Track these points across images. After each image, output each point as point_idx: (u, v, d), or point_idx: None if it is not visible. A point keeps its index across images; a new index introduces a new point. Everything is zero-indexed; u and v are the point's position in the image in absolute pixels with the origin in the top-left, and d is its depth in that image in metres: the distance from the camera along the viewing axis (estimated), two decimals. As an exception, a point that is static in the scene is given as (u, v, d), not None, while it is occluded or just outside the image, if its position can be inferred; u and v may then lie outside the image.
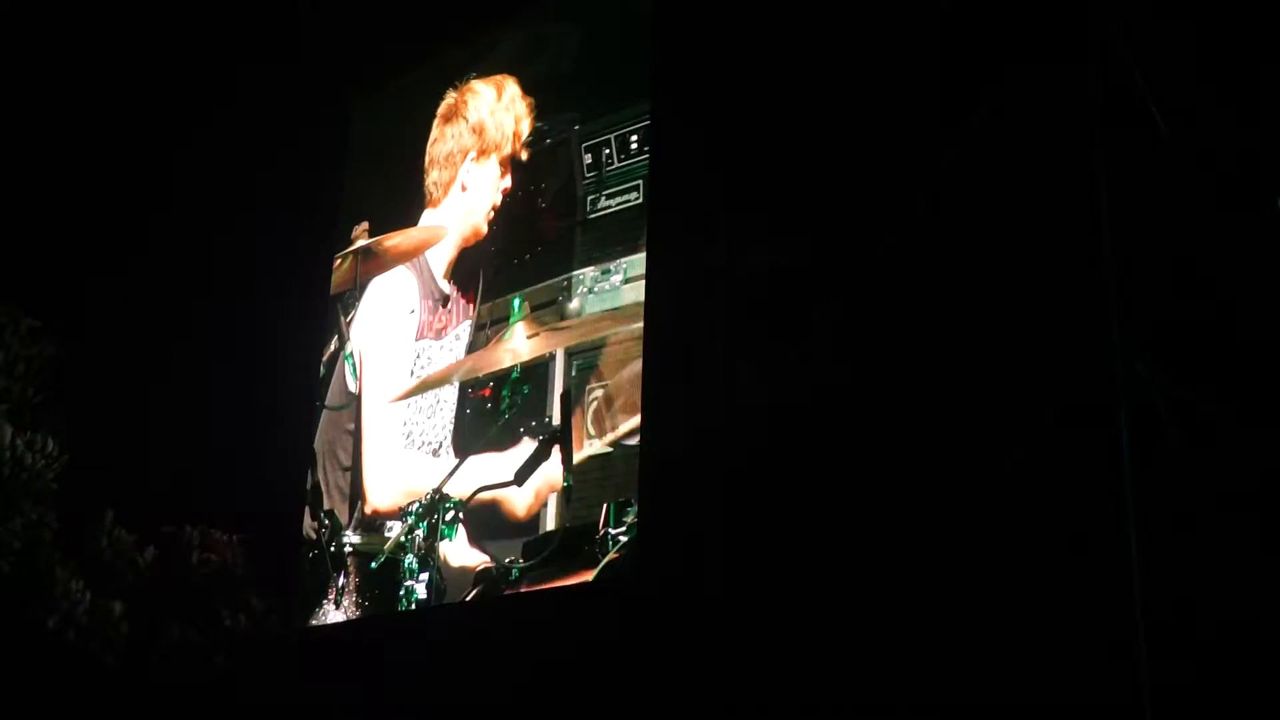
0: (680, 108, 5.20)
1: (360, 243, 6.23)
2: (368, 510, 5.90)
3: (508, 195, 5.83)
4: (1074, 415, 3.70)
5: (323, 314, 6.31)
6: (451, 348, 5.86)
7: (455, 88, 6.17)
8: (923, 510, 4.09)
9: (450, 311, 5.92)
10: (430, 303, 6.02)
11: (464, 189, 6.01)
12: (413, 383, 5.92)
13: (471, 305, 5.86)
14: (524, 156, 5.79)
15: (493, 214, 5.86)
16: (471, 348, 5.77)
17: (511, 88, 5.97)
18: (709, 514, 4.60)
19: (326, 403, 6.21)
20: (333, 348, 6.25)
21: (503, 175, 5.86)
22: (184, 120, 6.50)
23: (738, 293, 4.80)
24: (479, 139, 6.00)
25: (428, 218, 6.11)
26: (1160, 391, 3.52)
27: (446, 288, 5.97)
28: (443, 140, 6.16)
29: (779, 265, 4.71)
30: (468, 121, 6.06)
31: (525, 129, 5.83)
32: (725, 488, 4.59)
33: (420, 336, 5.99)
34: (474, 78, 6.11)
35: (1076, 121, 3.80)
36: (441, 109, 6.20)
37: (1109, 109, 3.78)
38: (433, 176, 6.15)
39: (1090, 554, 3.63)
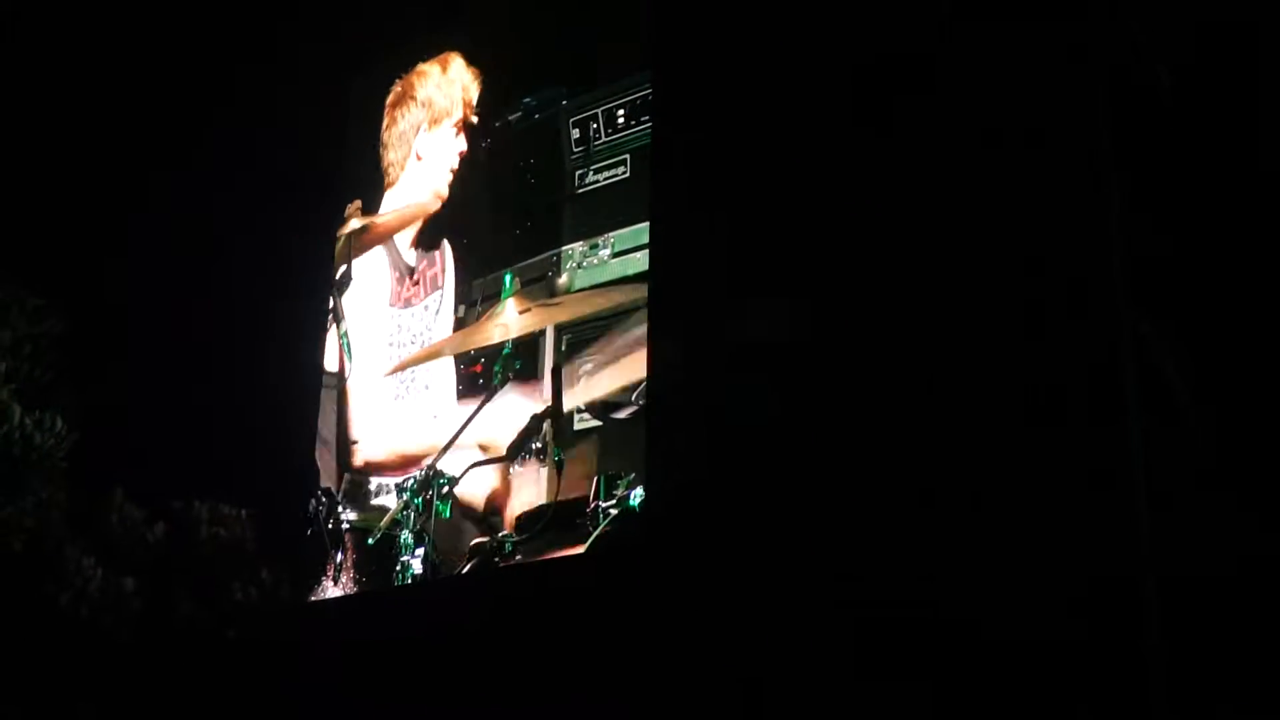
0: (679, 77, 5.27)
1: (354, 222, 6.30)
2: (358, 462, 6.01)
3: (465, 158, 5.99)
4: (1081, 378, 3.76)
5: (326, 292, 6.39)
6: (420, 317, 5.97)
7: (400, 78, 6.35)
8: (927, 470, 4.18)
9: (417, 283, 6.04)
10: (398, 274, 6.14)
11: (419, 158, 6.18)
12: (400, 357, 6.02)
13: (440, 274, 5.97)
14: (474, 120, 5.96)
15: (451, 178, 6.01)
16: (461, 323, 5.86)
17: (456, 61, 6.14)
18: (713, 479, 4.68)
19: (325, 381, 6.27)
20: (330, 326, 6.31)
21: (456, 136, 6.04)
22: (188, 102, 6.49)
23: (740, 258, 4.87)
24: (428, 110, 6.17)
25: (388, 198, 6.27)
26: (1168, 353, 3.59)
27: (412, 259, 6.09)
28: (394, 124, 6.33)
29: (781, 227, 4.79)
30: (416, 100, 6.24)
31: (474, 94, 6.00)
32: (730, 453, 4.66)
33: (393, 303, 6.12)
34: (419, 63, 6.29)
35: (1081, 82, 3.86)
36: (390, 99, 6.37)
37: (1113, 73, 3.83)
38: (388, 158, 6.31)
39: (1099, 513, 3.74)
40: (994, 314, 4.20)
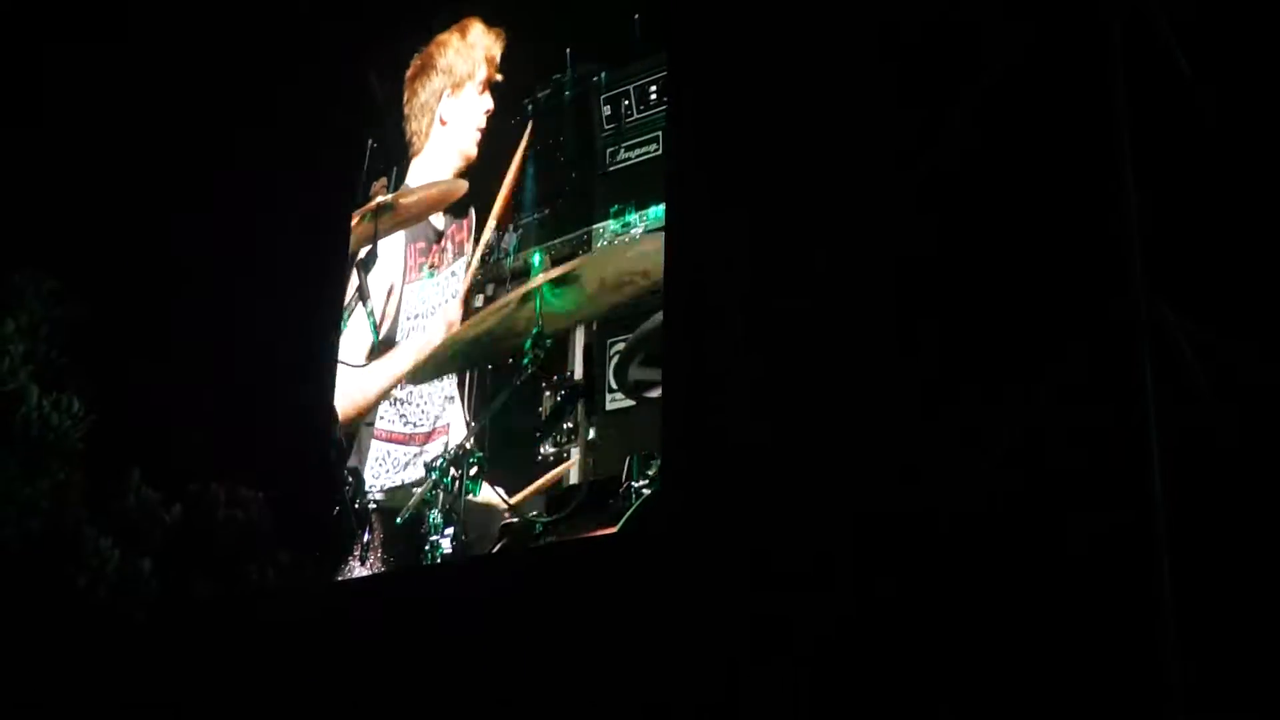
0: (700, 57, 5.17)
1: (378, 200, 6.22)
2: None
3: (492, 116, 5.95)
4: (1097, 358, 3.70)
5: (346, 273, 6.31)
6: (446, 284, 5.90)
7: (419, 53, 6.32)
8: (946, 450, 4.06)
9: (444, 249, 5.99)
10: (423, 244, 6.10)
11: (443, 123, 6.14)
12: (422, 328, 5.96)
13: (465, 241, 5.90)
14: (499, 78, 5.94)
15: (479, 138, 5.97)
16: (490, 302, 5.75)
17: (475, 25, 6.11)
18: (733, 464, 4.59)
19: (345, 359, 6.20)
20: (353, 305, 6.24)
21: (481, 95, 6.01)
22: (207, 84, 6.48)
23: (760, 244, 4.78)
24: (449, 76, 6.16)
25: (414, 168, 6.21)
26: (1185, 334, 3.52)
27: (440, 223, 6.04)
28: (415, 96, 6.30)
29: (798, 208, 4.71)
30: (436, 68, 6.23)
31: (497, 52, 5.98)
32: (749, 438, 4.58)
33: (409, 280, 6.07)
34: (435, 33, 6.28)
35: (1098, 68, 3.79)
36: (409, 73, 6.34)
37: (1131, 57, 3.77)
38: (411, 128, 6.27)
39: (1114, 501, 3.62)
40: (1005, 301, 4.13)
